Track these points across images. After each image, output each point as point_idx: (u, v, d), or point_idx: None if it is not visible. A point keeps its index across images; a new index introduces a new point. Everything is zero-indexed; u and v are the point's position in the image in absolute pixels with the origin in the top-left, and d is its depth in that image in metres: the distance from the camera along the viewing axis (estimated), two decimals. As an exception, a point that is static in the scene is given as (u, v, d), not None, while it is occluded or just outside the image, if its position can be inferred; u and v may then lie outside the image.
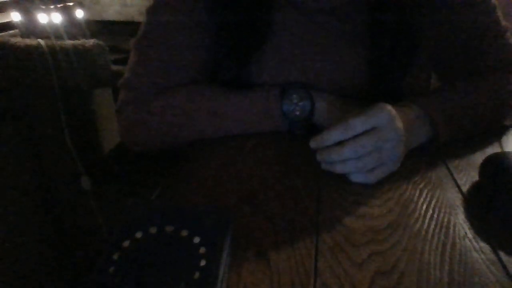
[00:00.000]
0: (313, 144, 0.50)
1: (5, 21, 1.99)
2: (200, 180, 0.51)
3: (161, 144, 0.64)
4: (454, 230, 0.41)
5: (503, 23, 0.64)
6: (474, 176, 0.49)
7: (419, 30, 0.61)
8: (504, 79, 0.63)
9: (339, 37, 0.63)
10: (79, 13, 2.09)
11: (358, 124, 0.47)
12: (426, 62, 0.67)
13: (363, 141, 0.46)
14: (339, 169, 0.49)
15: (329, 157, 0.48)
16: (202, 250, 0.32)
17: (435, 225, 0.41)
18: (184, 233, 0.33)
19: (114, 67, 1.15)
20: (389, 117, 0.47)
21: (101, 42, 1.11)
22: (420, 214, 0.43)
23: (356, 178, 0.49)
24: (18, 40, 1.00)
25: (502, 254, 0.37)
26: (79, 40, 1.10)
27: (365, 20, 0.61)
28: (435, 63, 0.69)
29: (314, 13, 0.63)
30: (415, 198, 0.46)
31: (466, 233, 0.40)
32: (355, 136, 0.47)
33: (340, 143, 0.47)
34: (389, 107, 0.48)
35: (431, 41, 0.64)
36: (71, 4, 2.12)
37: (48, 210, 1.04)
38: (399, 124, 0.48)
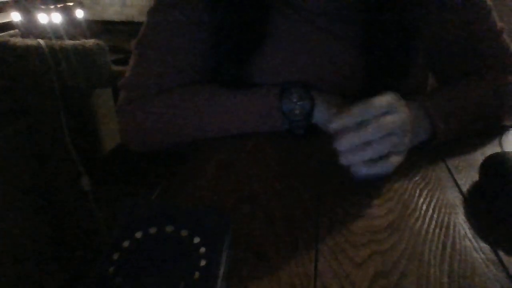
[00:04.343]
0: (335, 125, 0.46)
1: (5, 21, 1.99)
2: (200, 180, 0.51)
3: (161, 144, 0.64)
4: (454, 230, 0.41)
5: (499, 24, 0.65)
6: (474, 176, 0.49)
7: (416, 31, 0.61)
8: (502, 79, 0.64)
9: (338, 38, 0.63)
10: (79, 13, 2.09)
11: (378, 104, 0.45)
12: (424, 63, 0.67)
13: (385, 120, 0.44)
14: (364, 155, 0.45)
15: (352, 140, 0.45)
16: (202, 250, 0.32)
17: (435, 225, 0.41)
18: (184, 233, 0.33)
19: (114, 67, 1.15)
20: (400, 102, 0.47)
21: (101, 42, 1.11)
22: (420, 214, 0.43)
23: (375, 169, 0.46)
24: (18, 40, 1.00)
25: (502, 254, 0.37)
26: (79, 40, 1.10)
27: (363, 21, 0.61)
28: (433, 63, 0.69)
29: (313, 15, 0.63)
30: (415, 198, 0.46)
31: (466, 233, 0.40)
32: (376, 117, 0.45)
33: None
34: (397, 94, 0.48)
35: (429, 42, 0.64)
36: (71, 4, 2.12)
37: (48, 210, 1.04)
38: (408, 111, 0.48)
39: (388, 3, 0.59)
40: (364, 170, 0.46)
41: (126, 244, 0.32)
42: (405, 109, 0.48)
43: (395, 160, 0.47)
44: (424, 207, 0.44)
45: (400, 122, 0.46)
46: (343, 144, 0.45)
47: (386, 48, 0.61)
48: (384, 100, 0.46)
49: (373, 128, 0.44)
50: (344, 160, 0.46)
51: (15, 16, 1.90)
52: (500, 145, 0.58)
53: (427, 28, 0.63)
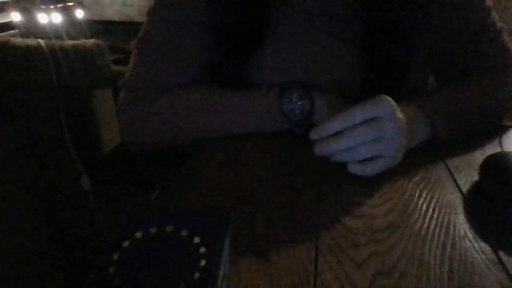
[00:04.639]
0: (313, 135, 0.50)
1: (5, 21, 1.99)
2: (200, 180, 0.51)
3: (161, 144, 0.64)
4: (454, 230, 0.41)
5: (499, 24, 0.65)
6: (474, 176, 0.49)
7: (416, 31, 0.61)
8: (502, 79, 0.64)
9: (338, 38, 0.63)
10: (79, 13, 2.09)
11: (357, 113, 0.47)
12: (424, 63, 0.67)
13: (361, 130, 0.47)
14: (335, 158, 0.50)
15: (327, 147, 0.49)
16: (202, 250, 0.32)
17: (435, 225, 0.41)
18: (184, 233, 0.33)
19: (114, 67, 1.15)
20: (389, 108, 0.47)
21: (101, 42, 1.11)
22: (420, 214, 0.43)
23: (354, 168, 0.49)
24: (18, 40, 1.00)
25: (502, 254, 0.37)
26: (79, 40, 1.10)
27: (363, 21, 0.61)
28: (433, 64, 0.69)
29: (313, 15, 0.63)
30: (415, 198, 0.46)
31: (466, 233, 0.40)
32: (354, 126, 0.47)
33: (338, 134, 0.48)
34: (389, 98, 0.48)
35: (429, 42, 0.64)
36: (71, 4, 2.13)
37: (48, 210, 1.04)
38: (400, 115, 0.48)
39: (387, 3, 0.59)
40: (350, 168, 0.49)
41: (126, 244, 0.32)
42: (397, 115, 0.48)
43: (378, 164, 0.48)
44: (424, 207, 0.44)
45: (385, 129, 0.47)
46: (315, 150, 0.50)
47: (386, 48, 0.61)
48: (369, 108, 0.47)
49: (346, 138, 0.47)
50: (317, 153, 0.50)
51: (15, 16, 1.90)
52: (500, 145, 0.58)
53: (427, 28, 0.63)
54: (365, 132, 0.47)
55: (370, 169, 0.48)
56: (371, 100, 0.48)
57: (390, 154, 0.48)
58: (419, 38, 0.62)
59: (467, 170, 0.52)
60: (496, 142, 0.59)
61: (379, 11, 0.59)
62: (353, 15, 0.62)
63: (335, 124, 0.48)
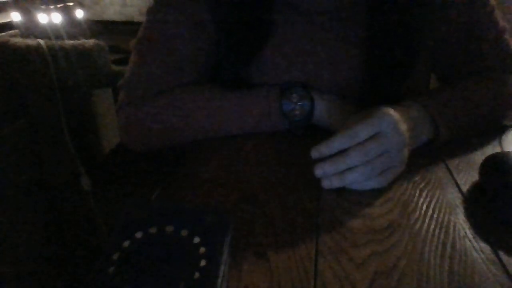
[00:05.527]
0: (315, 153, 0.47)
1: (5, 21, 1.99)
2: (200, 180, 0.51)
3: (161, 144, 0.64)
4: (454, 230, 0.41)
5: (501, 24, 0.65)
6: (474, 176, 0.49)
7: (418, 31, 0.61)
8: (504, 79, 0.64)
9: (339, 38, 0.63)
10: (79, 13, 2.09)
11: (364, 130, 0.46)
12: (426, 63, 0.67)
13: (370, 146, 0.45)
14: (348, 178, 0.46)
15: (335, 166, 0.46)
16: (202, 250, 0.32)
17: (435, 225, 0.41)
18: (184, 233, 0.33)
19: (114, 67, 1.15)
20: (393, 122, 0.47)
21: (101, 42, 1.11)
22: (420, 214, 0.43)
23: (367, 185, 0.47)
24: (18, 40, 1.00)
25: (502, 254, 0.37)
26: (79, 40, 1.10)
27: (365, 22, 0.61)
28: (435, 63, 0.69)
29: (314, 15, 0.63)
30: (415, 198, 0.46)
31: (466, 233, 0.40)
32: (359, 143, 0.46)
33: (340, 153, 0.46)
34: (392, 112, 0.47)
35: (431, 42, 0.64)
36: (71, 4, 2.12)
37: (48, 210, 1.04)
38: (403, 127, 0.48)
39: (389, 3, 0.59)
40: (354, 187, 0.47)
41: (126, 244, 0.32)
42: (400, 128, 0.47)
43: (390, 174, 0.48)
44: (424, 207, 0.44)
45: (390, 143, 0.46)
46: (318, 172, 0.47)
47: (388, 48, 0.61)
48: (373, 124, 0.46)
49: (356, 153, 0.45)
50: (325, 185, 0.47)
51: (15, 16, 1.89)
52: (500, 145, 0.58)
53: (429, 28, 0.62)
54: (374, 147, 0.45)
55: (383, 180, 0.47)
56: (373, 115, 0.47)
57: (398, 164, 0.48)
58: (421, 38, 0.62)
59: (467, 170, 0.52)
60: (496, 142, 0.59)
61: (381, 11, 0.59)
62: (354, 15, 0.62)
63: (341, 141, 0.46)
